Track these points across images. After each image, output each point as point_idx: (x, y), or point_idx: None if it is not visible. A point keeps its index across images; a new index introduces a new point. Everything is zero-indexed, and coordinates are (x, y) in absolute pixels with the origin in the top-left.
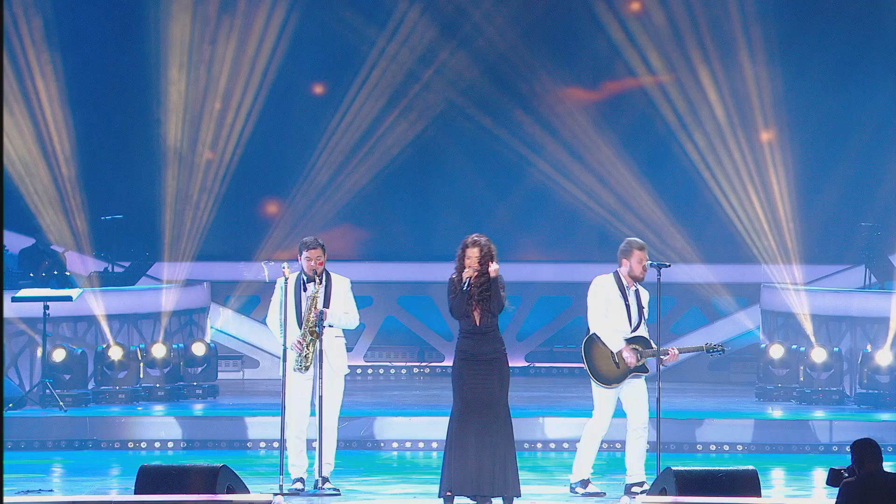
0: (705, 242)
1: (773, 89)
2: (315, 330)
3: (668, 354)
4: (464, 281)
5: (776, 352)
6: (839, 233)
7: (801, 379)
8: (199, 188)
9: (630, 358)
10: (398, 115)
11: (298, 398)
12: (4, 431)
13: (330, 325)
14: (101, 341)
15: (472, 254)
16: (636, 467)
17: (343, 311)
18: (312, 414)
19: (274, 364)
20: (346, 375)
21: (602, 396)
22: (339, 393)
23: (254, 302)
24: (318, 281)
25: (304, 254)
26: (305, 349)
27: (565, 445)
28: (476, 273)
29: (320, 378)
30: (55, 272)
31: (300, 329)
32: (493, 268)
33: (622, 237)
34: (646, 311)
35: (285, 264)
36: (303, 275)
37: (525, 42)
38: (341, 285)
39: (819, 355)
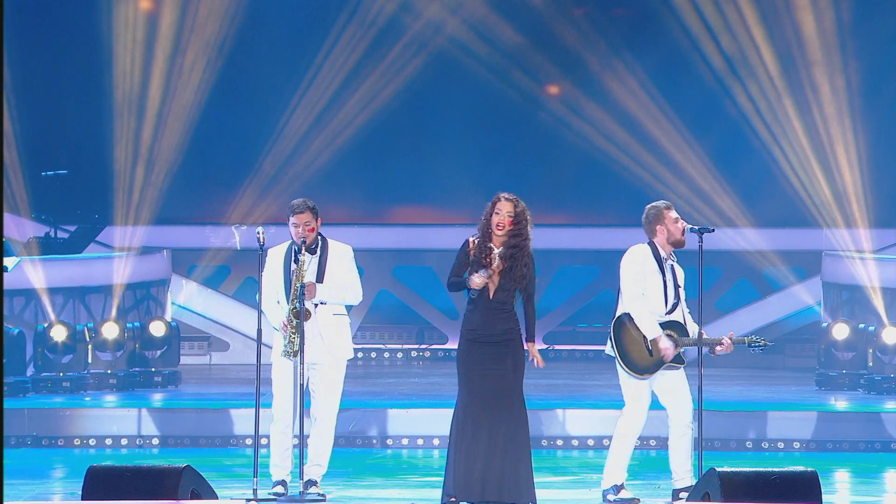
0: (756, 204)
1: (839, 27)
2: (296, 309)
3: (721, 345)
4: (472, 246)
5: (840, 332)
6: None
7: (870, 364)
8: (158, 140)
9: (667, 350)
10: (389, 53)
11: (284, 387)
12: None
13: (322, 303)
14: (41, 319)
15: (505, 207)
16: (682, 470)
17: (340, 285)
18: (306, 406)
19: (246, 346)
20: (348, 361)
21: (633, 388)
22: (338, 382)
23: (223, 273)
24: (302, 250)
25: (291, 219)
26: (291, 332)
27: (590, 442)
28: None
29: (302, 363)
30: None
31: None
32: (476, 281)
33: (659, 198)
34: (682, 290)
35: (260, 228)
36: (294, 244)
37: None
38: (340, 255)
39: (891, 336)
